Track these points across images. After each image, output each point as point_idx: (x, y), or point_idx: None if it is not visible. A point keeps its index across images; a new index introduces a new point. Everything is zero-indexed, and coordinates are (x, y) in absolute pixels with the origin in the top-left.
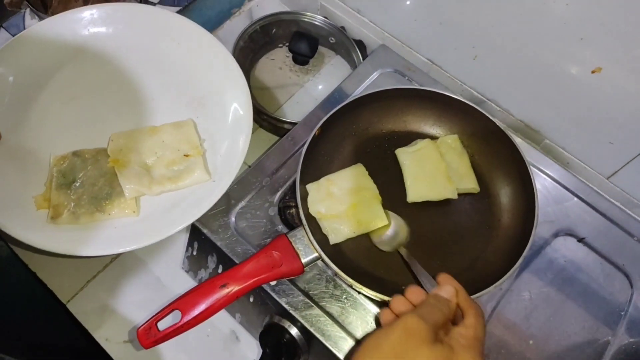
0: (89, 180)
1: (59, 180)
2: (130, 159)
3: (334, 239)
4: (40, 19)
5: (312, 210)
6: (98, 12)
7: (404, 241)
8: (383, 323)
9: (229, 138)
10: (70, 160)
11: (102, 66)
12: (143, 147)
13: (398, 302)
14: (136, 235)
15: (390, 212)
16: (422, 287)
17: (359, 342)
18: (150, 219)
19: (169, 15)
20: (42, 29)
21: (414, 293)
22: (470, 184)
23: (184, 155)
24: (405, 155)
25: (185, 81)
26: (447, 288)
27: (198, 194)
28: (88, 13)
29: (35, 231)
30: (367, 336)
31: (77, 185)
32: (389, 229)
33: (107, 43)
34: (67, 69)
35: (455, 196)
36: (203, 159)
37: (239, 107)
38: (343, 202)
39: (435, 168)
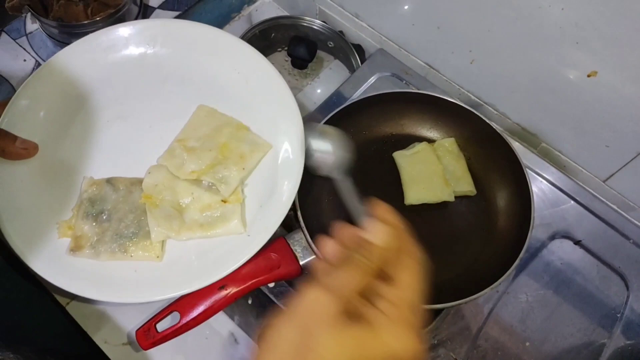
0: (117, 215)
1: (87, 208)
2: (164, 197)
3: (225, 190)
4: (41, 23)
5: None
6: (157, 27)
7: (339, 164)
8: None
9: (274, 185)
10: (102, 188)
11: (151, 87)
12: (179, 185)
13: (326, 247)
14: (156, 284)
15: (320, 125)
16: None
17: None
18: (173, 267)
19: (228, 39)
20: (95, 40)
21: (343, 232)
22: (467, 187)
23: (222, 200)
24: (402, 159)
25: (236, 113)
26: (378, 230)
27: (228, 247)
28: (141, 28)
29: (50, 262)
30: (260, 341)
31: (104, 217)
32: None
33: (161, 63)
34: (117, 86)
35: (452, 199)
36: (242, 207)
37: (289, 150)
38: (210, 149)
39: (432, 171)
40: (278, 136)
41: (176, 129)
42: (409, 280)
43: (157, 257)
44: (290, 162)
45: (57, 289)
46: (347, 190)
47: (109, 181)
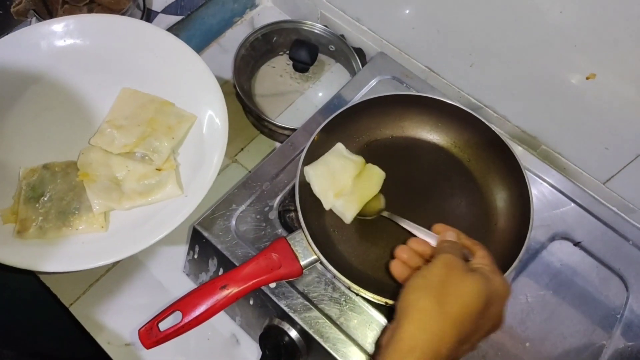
0: (58, 195)
1: (28, 193)
2: (100, 173)
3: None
4: None
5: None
6: (74, 23)
7: (383, 206)
8: (396, 275)
9: (203, 151)
10: (39, 174)
11: (75, 77)
12: (113, 160)
13: (406, 253)
14: (103, 251)
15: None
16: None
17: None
18: (119, 234)
19: (143, 26)
20: (16, 39)
21: (417, 243)
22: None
23: (156, 169)
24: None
25: (159, 92)
26: (450, 233)
27: (169, 209)
28: (63, 24)
29: (2, 246)
30: (411, 278)
31: (46, 199)
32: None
33: (82, 54)
34: (43, 80)
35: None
36: (176, 173)
37: (214, 117)
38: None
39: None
40: (201, 107)
41: (103, 113)
42: (482, 252)
43: (102, 227)
44: (215, 128)
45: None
46: (402, 220)
47: (45, 166)
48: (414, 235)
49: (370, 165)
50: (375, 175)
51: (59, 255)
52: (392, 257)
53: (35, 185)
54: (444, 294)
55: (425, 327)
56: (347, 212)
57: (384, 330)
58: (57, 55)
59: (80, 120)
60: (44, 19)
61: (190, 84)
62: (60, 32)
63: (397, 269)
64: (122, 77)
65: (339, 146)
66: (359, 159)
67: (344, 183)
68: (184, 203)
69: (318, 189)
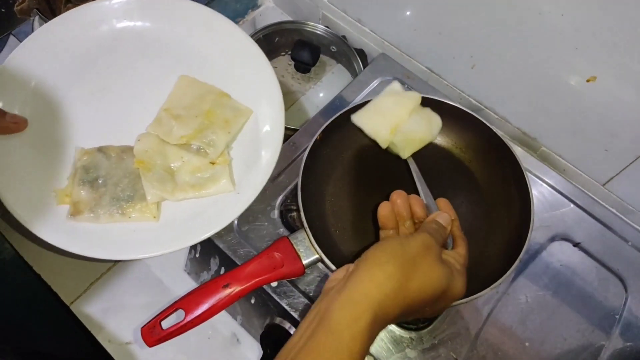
0: (112, 180)
1: (82, 176)
2: (156, 162)
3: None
4: None
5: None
6: (136, 2)
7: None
8: (381, 215)
9: (257, 150)
10: (94, 156)
11: (133, 60)
12: (169, 150)
13: (401, 200)
14: (155, 241)
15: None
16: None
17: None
18: (170, 226)
19: (206, 11)
20: (76, 16)
21: (417, 203)
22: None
23: (210, 162)
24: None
25: (216, 82)
26: (445, 216)
27: (220, 205)
28: (125, 3)
29: (53, 227)
30: (382, 241)
31: (100, 183)
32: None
33: (141, 36)
34: (100, 60)
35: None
36: (229, 168)
37: (271, 113)
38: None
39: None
40: (257, 101)
41: (159, 99)
42: (462, 250)
43: (154, 217)
44: (271, 124)
45: (57, 249)
46: (419, 175)
47: (101, 150)
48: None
49: (429, 109)
50: (434, 121)
51: (110, 242)
52: None
53: (90, 168)
54: (411, 270)
55: (384, 289)
56: (407, 147)
57: (333, 276)
58: (116, 35)
59: (136, 104)
60: (47, 17)
61: (249, 76)
62: (120, 12)
63: (385, 210)
64: (180, 63)
65: (395, 85)
66: (415, 94)
67: (400, 118)
68: (235, 200)
69: (370, 129)
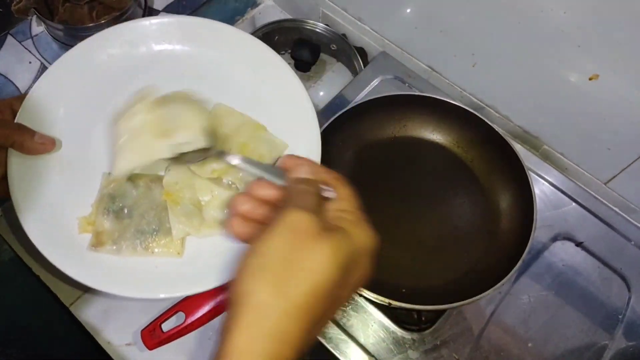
0: (138, 211)
1: (107, 204)
2: (185, 195)
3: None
4: (47, 25)
5: None
6: (176, 25)
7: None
8: (238, 235)
9: None
10: (122, 184)
11: (169, 84)
12: (200, 183)
13: (246, 204)
14: (178, 279)
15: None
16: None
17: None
18: (192, 264)
19: (245, 37)
20: (115, 34)
21: (260, 187)
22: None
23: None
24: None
25: (252, 111)
26: (305, 168)
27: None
28: (165, 25)
29: (73, 258)
30: (245, 253)
31: (125, 213)
32: None
33: (179, 59)
34: (135, 81)
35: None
36: None
37: (306, 148)
38: (231, 149)
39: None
40: (294, 135)
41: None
42: (346, 191)
43: (178, 253)
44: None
45: (72, 281)
46: (252, 164)
47: (129, 178)
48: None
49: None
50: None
51: (132, 278)
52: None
53: (116, 197)
54: (287, 277)
55: (263, 330)
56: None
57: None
58: (153, 57)
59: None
60: (45, 17)
61: (287, 109)
62: (159, 33)
63: (238, 227)
64: (217, 90)
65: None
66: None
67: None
68: None
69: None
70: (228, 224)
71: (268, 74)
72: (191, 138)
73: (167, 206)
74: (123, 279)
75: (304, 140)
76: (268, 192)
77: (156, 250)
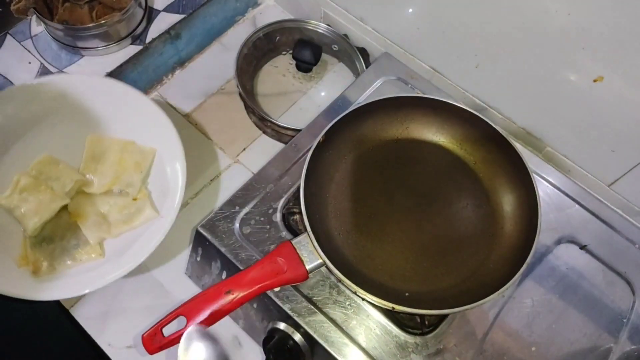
0: (58, 236)
1: (32, 241)
2: (89, 211)
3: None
4: (46, 25)
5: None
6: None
7: None
8: None
9: (167, 176)
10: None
11: (50, 131)
12: (97, 199)
13: None
14: (105, 273)
15: None
16: None
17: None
18: (114, 257)
19: (100, 81)
20: (8, 95)
21: None
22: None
23: (133, 199)
24: None
25: (121, 134)
26: None
27: (151, 230)
28: (46, 88)
29: (19, 285)
30: None
31: (48, 241)
32: None
33: (54, 110)
34: (29, 133)
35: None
36: (150, 199)
37: (170, 147)
38: (110, 165)
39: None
40: (158, 141)
41: (77, 161)
42: None
43: (100, 255)
44: (173, 155)
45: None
46: None
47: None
48: None
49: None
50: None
51: (70, 284)
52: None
53: (37, 234)
54: None
55: None
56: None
57: None
58: (36, 113)
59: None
60: (44, 17)
61: (146, 123)
62: (39, 96)
63: None
64: (88, 127)
65: None
66: None
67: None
68: (162, 223)
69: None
70: None
71: (123, 102)
72: (75, 180)
73: (77, 225)
74: (64, 287)
75: (167, 142)
76: None
77: (83, 257)
